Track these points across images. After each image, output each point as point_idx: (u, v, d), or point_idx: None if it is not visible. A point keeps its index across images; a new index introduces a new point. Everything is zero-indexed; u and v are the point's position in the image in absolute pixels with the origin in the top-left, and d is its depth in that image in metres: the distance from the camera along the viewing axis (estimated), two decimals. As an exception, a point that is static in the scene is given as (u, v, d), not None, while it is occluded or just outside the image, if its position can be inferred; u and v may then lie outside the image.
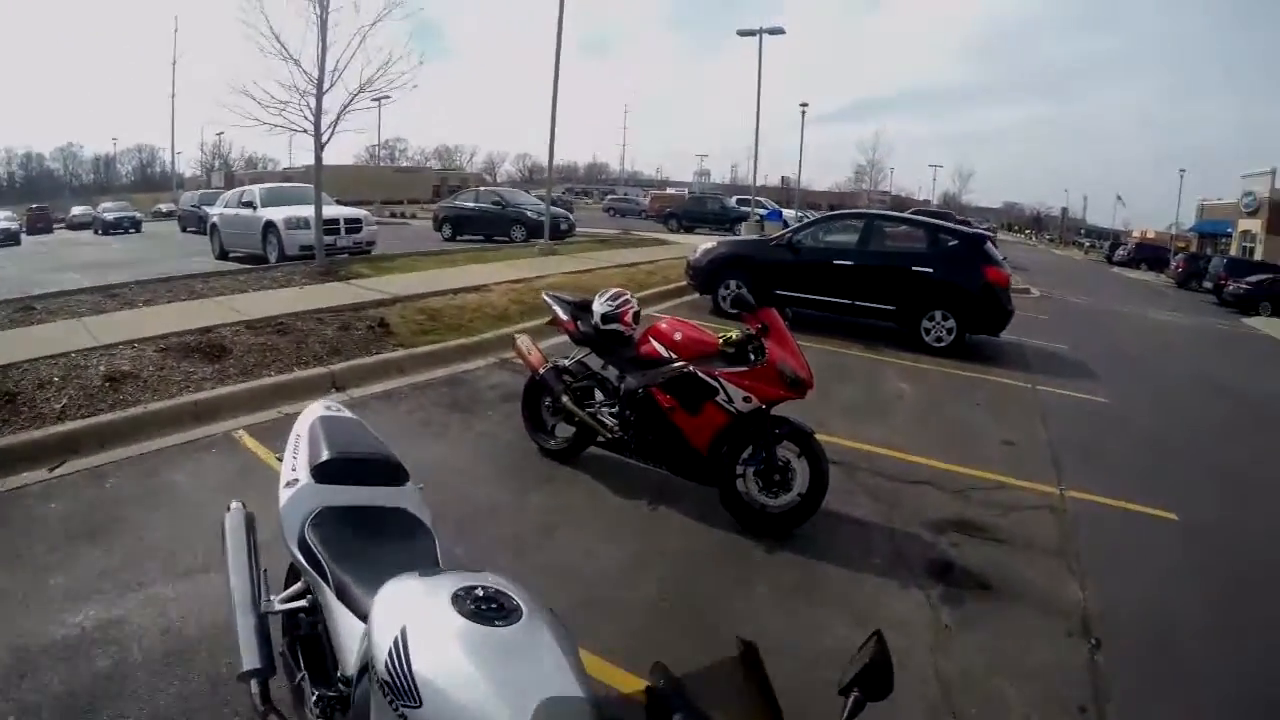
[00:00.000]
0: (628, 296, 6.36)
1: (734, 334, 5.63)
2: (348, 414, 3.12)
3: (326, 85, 14.17)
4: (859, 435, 7.42)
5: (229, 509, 2.81)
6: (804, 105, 58.07)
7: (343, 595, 2.20)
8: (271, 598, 2.55)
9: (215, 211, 22.35)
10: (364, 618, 2.03)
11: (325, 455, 2.66)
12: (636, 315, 6.30)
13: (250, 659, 2.23)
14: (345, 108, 14.60)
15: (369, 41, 14.43)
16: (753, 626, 4.32)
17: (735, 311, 12.99)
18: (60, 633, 4.06)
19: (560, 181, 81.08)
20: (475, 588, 1.81)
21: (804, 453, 5.45)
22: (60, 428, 6.51)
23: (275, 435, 6.44)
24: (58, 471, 6.03)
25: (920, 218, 16.05)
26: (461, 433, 7.08)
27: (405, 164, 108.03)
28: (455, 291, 12.02)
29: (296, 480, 2.66)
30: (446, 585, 1.83)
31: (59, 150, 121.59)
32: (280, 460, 3.01)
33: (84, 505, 5.50)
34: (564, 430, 6.53)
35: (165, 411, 6.90)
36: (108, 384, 7.21)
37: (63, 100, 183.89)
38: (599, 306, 6.25)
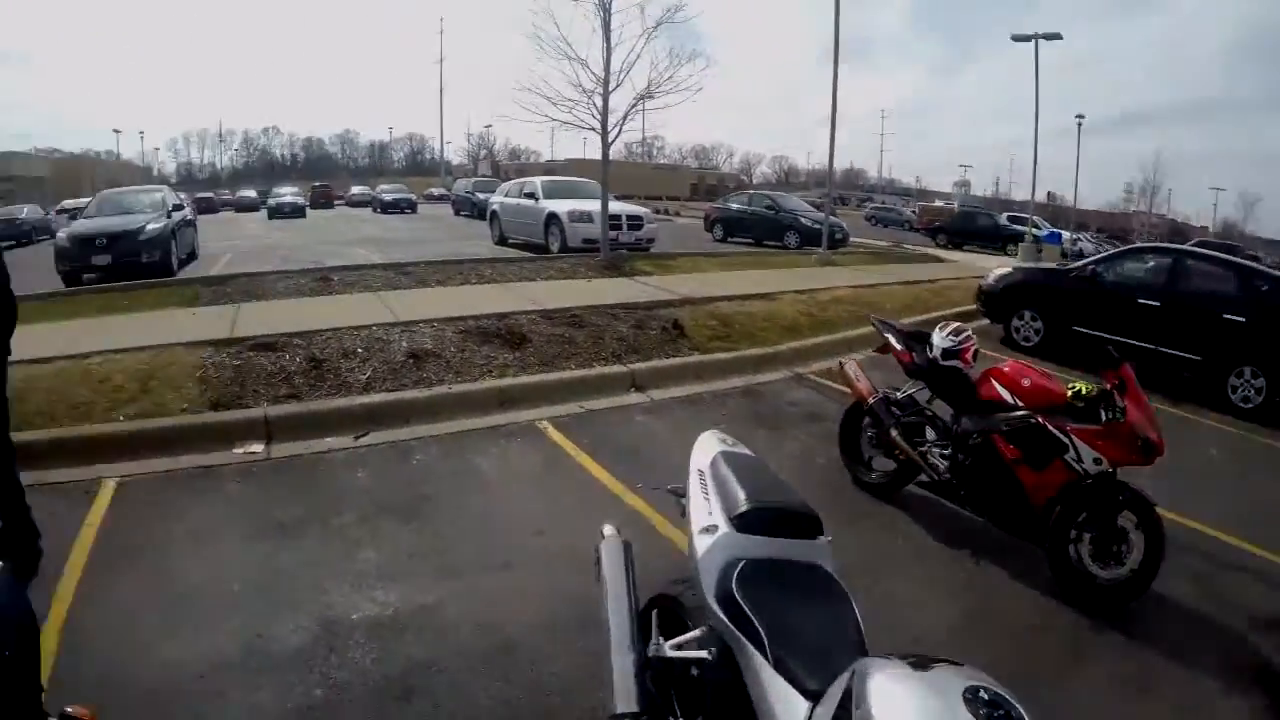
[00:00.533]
0: (969, 333, 5.97)
1: (1083, 387, 5.13)
2: (745, 449, 2.98)
3: (612, 85, 14.80)
4: (1170, 504, 6.62)
5: (603, 534, 2.74)
6: (1080, 117, 54.62)
7: (780, 667, 2.06)
8: (660, 640, 2.43)
9: (496, 200, 23.61)
10: (808, 694, 1.94)
11: (746, 503, 2.51)
12: (975, 353, 5.89)
13: (626, 701, 2.19)
14: (633, 107, 15.26)
15: (651, 44, 14.97)
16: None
17: (1028, 344, 12.14)
18: (372, 611, 4.18)
19: (817, 187, 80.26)
20: (979, 688, 1.62)
21: (1143, 524, 4.91)
22: (366, 399, 6.93)
23: (580, 430, 6.61)
24: (363, 441, 6.40)
25: (1233, 258, 14.36)
26: (770, 452, 6.79)
27: (663, 161, 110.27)
28: (743, 298, 11.87)
29: (715, 527, 2.53)
30: (952, 683, 1.65)
31: (337, 136, 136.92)
32: (673, 493, 3.00)
33: (391, 479, 5.76)
34: (882, 464, 6.20)
35: (469, 394, 7.19)
36: (411, 360, 7.62)
37: (343, 91, 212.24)
38: (940, 340, 5.89)
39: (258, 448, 6.28)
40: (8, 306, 4.66)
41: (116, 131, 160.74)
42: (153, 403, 6.92)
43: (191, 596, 4.36)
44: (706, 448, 2.95)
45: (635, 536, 2.98)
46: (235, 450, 6.24)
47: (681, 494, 2.90)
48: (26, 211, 36.25)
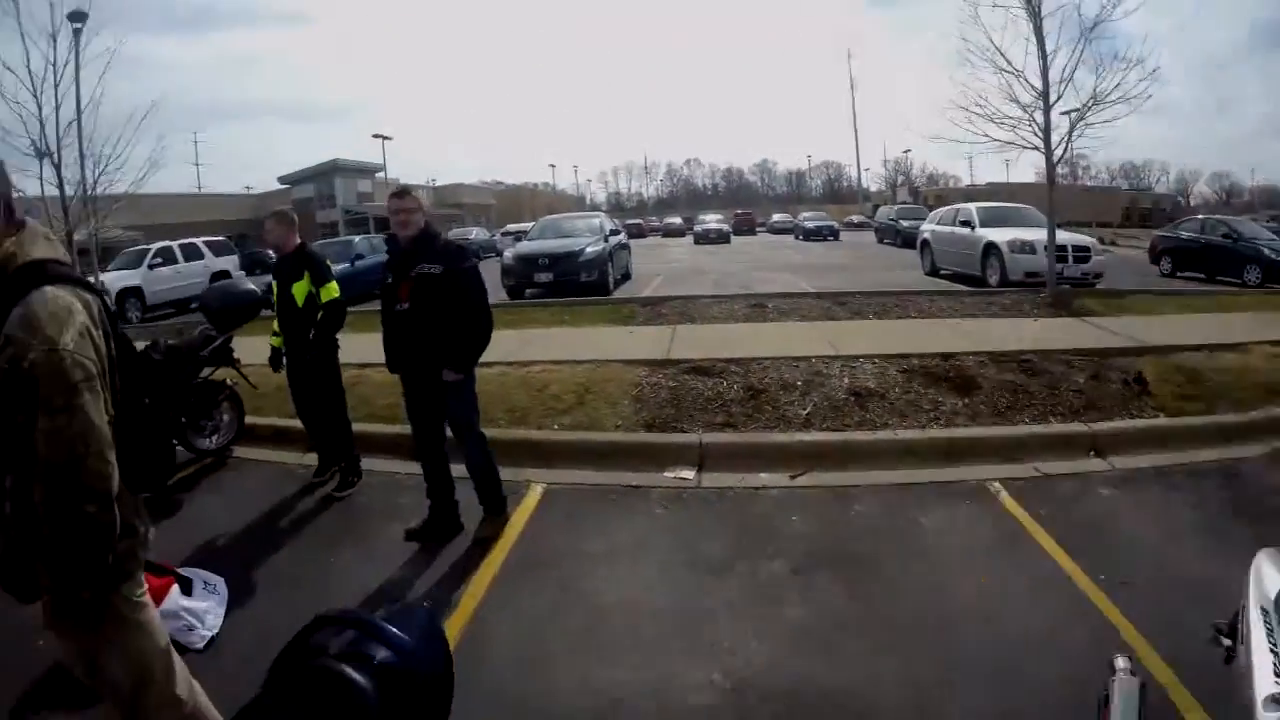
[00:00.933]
0: None
1: None
2: None
3: (1053, 98, 13.38)
4: None
5: (1113, 667, 2.18)
6: None
7: None
8: None
9: (927, 228, 22.86)
10: None
11: None
12: None
13: None
14: (1079, 119, 13.60)
15: (1090, 49, 13.47)
16: None
17: None
18: (791, 679, 3.78)
19: (1265, 209, 68.54)
20: None
21: None
22: (805, 436, 6.62)
23: (1036, 499, 5.73)
24: (799, 481, 6.06)
25: None
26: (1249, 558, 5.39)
27: (1089, 183, 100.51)
28: (1210, 348, 10.19)
29: None
30: None
31: (756, 166, 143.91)
32: (1215, 630, 2.41)
33: (827, 528, 5.35)
34: None
35: (914, 442, 6.62)
36: (853, 399, 7.23)
37: (760, 123, 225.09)
38: None
39: (689, 474, 6.23)
40: (486, 319, 5.23)
41: (552, 166, 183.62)
42: (587, 416, 7.20)
43: (601, 621, 4.32)
44: (1268, 576, 2.30)
45: (1101, 654, 2.37)
46: (665, 474, 6.25)
47: (1224, 633, 2.33)
48: (475, 233, 42.56)
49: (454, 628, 4.26)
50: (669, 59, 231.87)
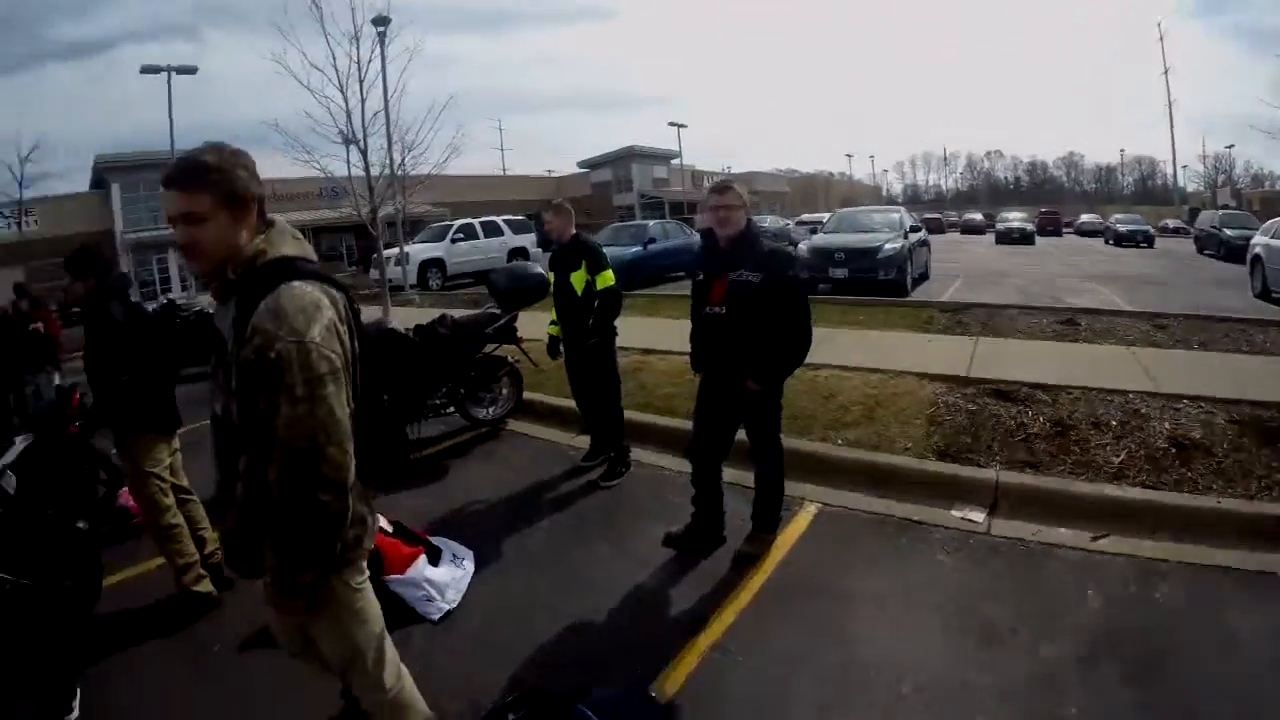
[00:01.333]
0: None
1: None
2: None
3: None
4: None
5: None
6: None
7: None
8: None
9: (1260, 241, 19.07)
10: None
11: None
12: None
13: None
14: None
15: None
16: None
17: None
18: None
19: None
20: None
21: None
22: (1116, 491, 5.47)
23: None
24: (1100, 544, 5.05)
25: None
26: None
27: None
28: None
29: None
30: None
31: (1061, 159, 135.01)
32: None
33: (1125, 608, 4.38)
34: None
35: (1242, 517, 5.14)
36: (1172, 450, 5.98)
37: (1068, 112, 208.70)
38: None
39: (978, 517, 5.48)
40: (805, 335, 4.77)
41: (849, 155, 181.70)
42: (875, 433, 6.68)
43: (855, 675, 3.85)
44: None
45: None
46: (953, 512, 5.55)
47: None
48: (769, 220, 42.63)
49: (697, 651, 4.06)
50: (968, 45, 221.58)
